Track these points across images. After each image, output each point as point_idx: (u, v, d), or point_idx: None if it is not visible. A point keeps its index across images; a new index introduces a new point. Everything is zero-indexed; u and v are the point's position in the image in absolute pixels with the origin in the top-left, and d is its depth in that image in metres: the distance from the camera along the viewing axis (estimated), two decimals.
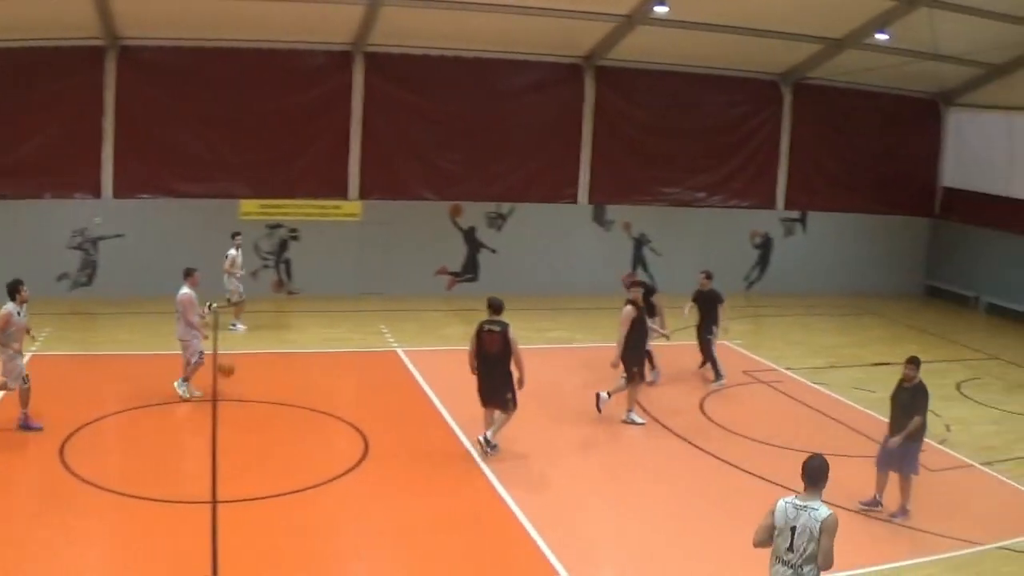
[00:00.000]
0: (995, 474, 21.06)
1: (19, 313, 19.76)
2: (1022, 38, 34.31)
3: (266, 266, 32.82)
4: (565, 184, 36.76)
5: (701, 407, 24.34)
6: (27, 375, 19.88)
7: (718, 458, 20.89)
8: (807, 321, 35.14)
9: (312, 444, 20.29)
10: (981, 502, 19.79)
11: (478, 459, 19.62)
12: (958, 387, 28.05)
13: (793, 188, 40.54)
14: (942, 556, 16.85)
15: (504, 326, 19.83)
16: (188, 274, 22.62)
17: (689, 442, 21.80)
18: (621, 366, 22.61)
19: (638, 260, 37.98)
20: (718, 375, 26.49)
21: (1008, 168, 38.28)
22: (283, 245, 32.97)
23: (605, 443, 21.74)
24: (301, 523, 16.28)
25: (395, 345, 27.85)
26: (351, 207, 33.44)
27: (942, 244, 42.37)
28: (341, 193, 33.52)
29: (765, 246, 40.13)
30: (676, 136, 37.84)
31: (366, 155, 33.68)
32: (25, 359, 20.34)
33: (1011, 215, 34.74)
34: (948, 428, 24.03)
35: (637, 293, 23.29)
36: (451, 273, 35.11)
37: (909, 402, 18.30)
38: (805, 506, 11.68)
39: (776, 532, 11.76)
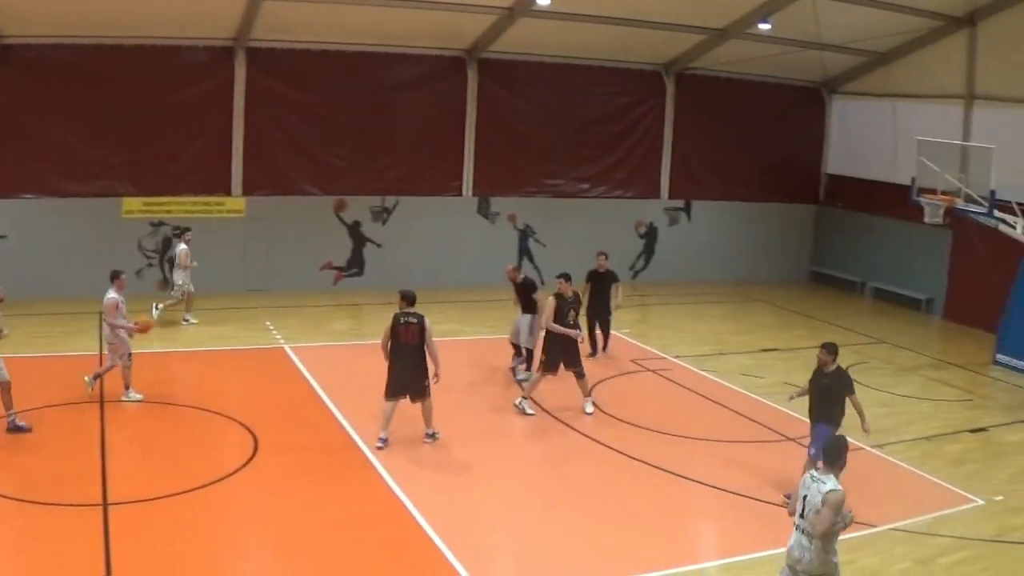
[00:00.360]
0: (886, 456, 21.43)
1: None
2: (904, 26, 34.90)
3: (150, 265, 32.44)
4: (449, 177, 36.77)
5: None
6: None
7: (609, 447, 21.05)
8: (694, 309, 35.45)
9: (202, 443, 20.11)
10: (873, 485, 20.03)
11: (369, 454, 19.61)
12: (846, 371, 28.46)
13: (677, 178, 40.88)
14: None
15: (420, 317, 20.31)
16: (114, 277, 22.29)
17: (580, 432, 21.97)
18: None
19: (523, 252, 38.08)
20: (606, 344, 27.77)
21: (892, 154, 38.79)
22: (167, 243, 32.58)
23: (497, 435, 21.80)
24: (194, 523, 16.20)
25: (282, 342, 27.69)
26: (234, 203, 33.15)
27: (827, 230, 42.98)
28: (224, 190, 33.19)
29: (650, 236, 40.40)
30: (560, 127, 38.04)
31: (249, 151, 33.38)
32: None
33: (895, 201, 35.16)
34: None
35: (565, 286, 23.43)
36: (336, 268, 34.99)
37: (832, 387, 18.49)
38: (818, 479, 12.54)
39: (796, 500, 12.80)
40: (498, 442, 21.41)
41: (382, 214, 35.52)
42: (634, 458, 20.50)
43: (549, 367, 22.97)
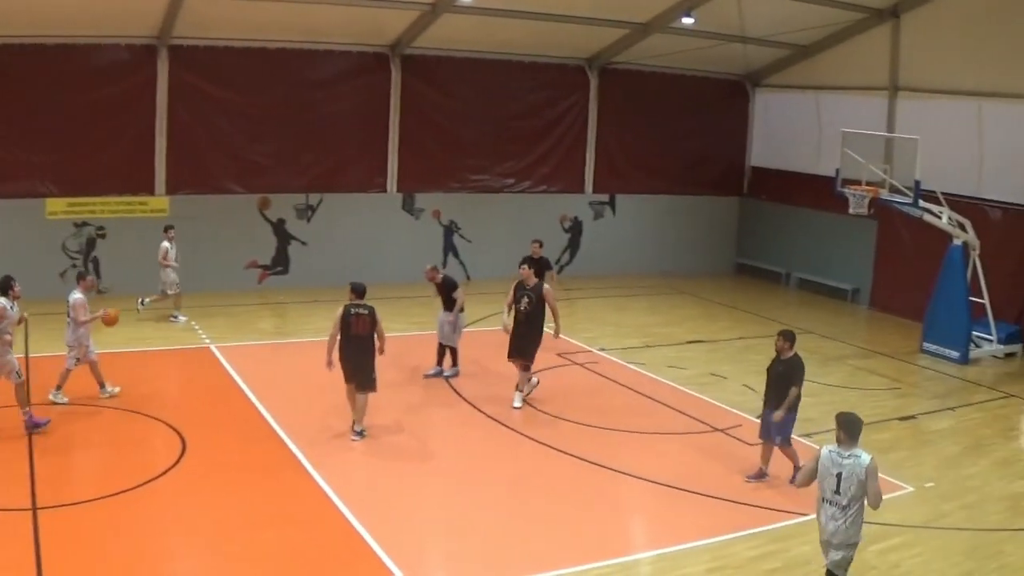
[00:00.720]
0: (814, 446, 21.27)
1: (12, 307, 19.85)
2: (828, 19, 35.20)
3: (74, 266, 31.95)
4: (374, 173, 36.56)
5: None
6: (20, 370, 20.00)
7: (538, 441, 21.05)
8: (620, 302, 35.52)
9: (129, 445, 19.83)
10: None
11: (298, 453, 19.46)
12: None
13: (601, 172, 41.00)
14: (766, 528, 17.24)
15: (371, 308, 20.70)
16: (81, 278, 22.25)
17: (508, 427, 21.95)
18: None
19: (448, 247, 38.03)
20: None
21: (816, 146, 39.13)
22: (91, 243, 32.24)
23: (425, 432, 21.69)
24: (124, 525, 15.97)
25: (208, 342, 27.41)
26: (158, 203, 32.74)
27: (751, 223, 43.27)
28: (148, 189, 32.76)
29: (575, 230, 40.45)
30: (484, 123, 37.99)
31: (172, 150, 32.94)
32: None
33: (820, 192, 35.45)
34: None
35: (526, 272, 23.69)
36: (261, 266, 34.75)
37: (784, 374, 19.03)
38: (849, 454, 13.25)
39: (819, 477, 13.43)
40: (426, 438, 21.32)
41: (306, 211, 35.30)
42: (563, 452, 20.50)
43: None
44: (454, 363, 25.38)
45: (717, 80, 42.42)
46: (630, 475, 19.48)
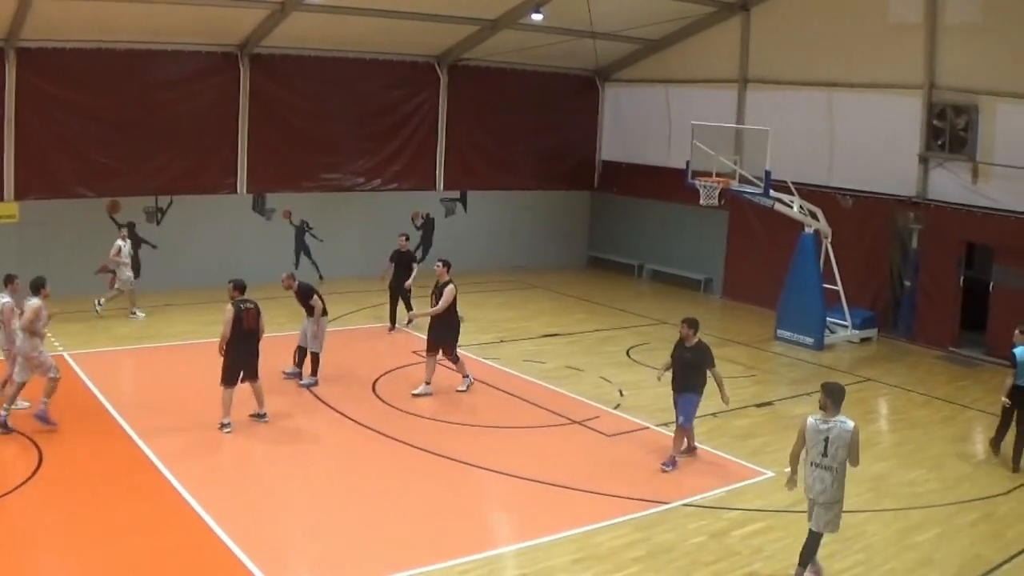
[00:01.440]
0: (673, 434, 21.66)
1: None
2: (677, 13, 35.64)
3: None
4: (224, 174, 36.14)
5: (373, 390, 24.44)
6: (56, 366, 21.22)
7: (397, 440, 21.01)
8: (474, 299, 35.43)
9: None
10: (662, 462, 20.31)
11: (157, 462, 19.06)
12: (628, 353, 28.81)
13: (452, 169, 41.10)
14: (631, 517, 17.42)
15: (255, 303, 21.76)
16: (8, 281, 22.36)
17: (367, 427, 21.80)
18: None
19: (300, 248, 37.77)
20: (409, 321, 29.80)
21: (666, 139, 39.57)
22: None
23: (286, 435, 21.39)
24: None
25: (61, 349, 26.84)
26: (7, 208, 31.91)
27: (603, 216, 43.59)
28: None
29: (427, 227, 40.46)
30: (335, 121, 37.77)
31: (20, 154, 32.14)
32: None
33: (671, 184, 35.82)
34: (621, 393, 24.70)
35: (442, 271, 25.04)
36: (112, 271, 34.19)
37: (693, 359, 19.81)
38: (833, 421, 14.60)
39: (808, 444, 14.79)
40: (287, 441, 21.07)
41: (156, 214, 34.78)
42: (423, 449, 20.47)
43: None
44: (313, 371, 25.06)
45: (567, 75, 42.71)
46: (491, 470, 19.52)
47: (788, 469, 15.56)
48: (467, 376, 24.99)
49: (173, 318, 30.63)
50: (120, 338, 28.68)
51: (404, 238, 31.12)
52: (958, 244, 30.86)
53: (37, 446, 19.53)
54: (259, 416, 21.82)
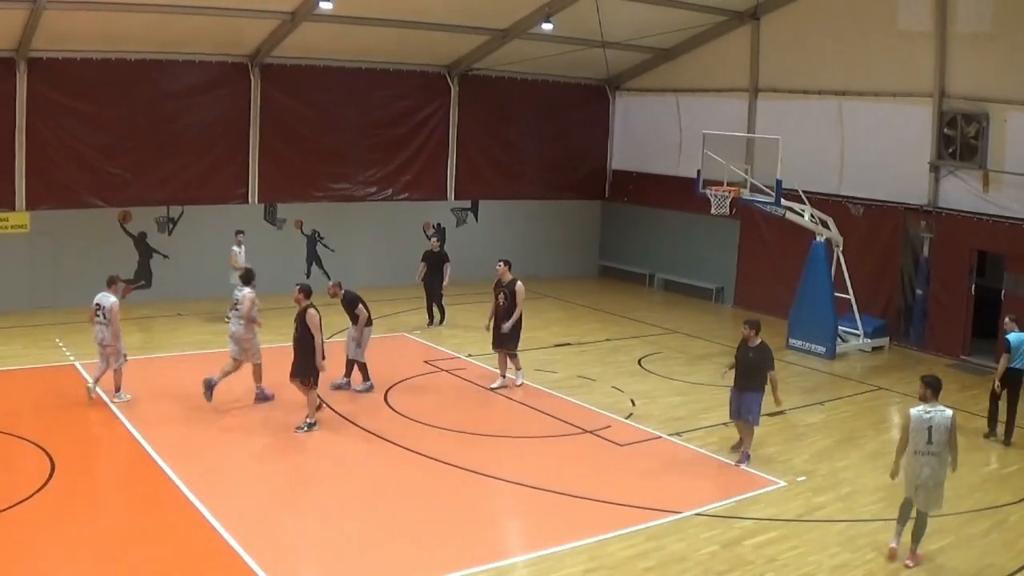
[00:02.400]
0: (685, 444, 21.73)
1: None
2: (688, 22, 35.68)
3: None
4: (235, 184, 36.19)
5: (386, 400, 24.41)
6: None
7: (408, 449, 20.98)
8: (485, 308, 35.08)
9: None
10: (675, 472, 20.45)
11: (168, 470, 19.07)
12: (639, 362, 28.79)
13: (463, 178, 41.11)
14: (642, 526, 17.36)
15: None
16: (112, 282, 24.33)
17: (379, 436, 21.75)
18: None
19: (312, 257, 37.80)
20: (443, 318, 32.50)
21: (677, 149, 39.58)
22: None
23: (296, 445, 21.39)
24: None
25: (72, 359, 26.89)
26: (18, 219, 31.99)
27: (614, 226, 43.55)
28: (8, 205, 32.01)
29: (439, 237, 40.28)
30: (346, 131, 37.82)
31: (31, 164, 32.22)
32: None
33: (682, 194, 35.84)
34: (633, 403, 24.67)
35: (503, 270, 26.82)
36: (124, 281, 34.12)
37: (755, 360, 20.58)
38: (934, 410, 16.08)
39: (912, 434, 16.12)
40: (297, 452, 21.08)
41: (167, 224, 34.82)
42: (434, 459, 20.43)
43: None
44: (365, 378, 25.24)
45: (577, 85, 42.72)
46: (502, 480, 19.53)
47: (894, 461, 16.72)
48: (519, 370, 26.49)
49: (184, 328, 30.70)
50: (129, 347, 28.59)
51: (435, 240, 33.10)
52: (969, 252, 30.80)
53: (49, 456, 19.49)
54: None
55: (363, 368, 25.20)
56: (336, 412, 23.26)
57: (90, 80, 32.84)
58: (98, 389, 22.86)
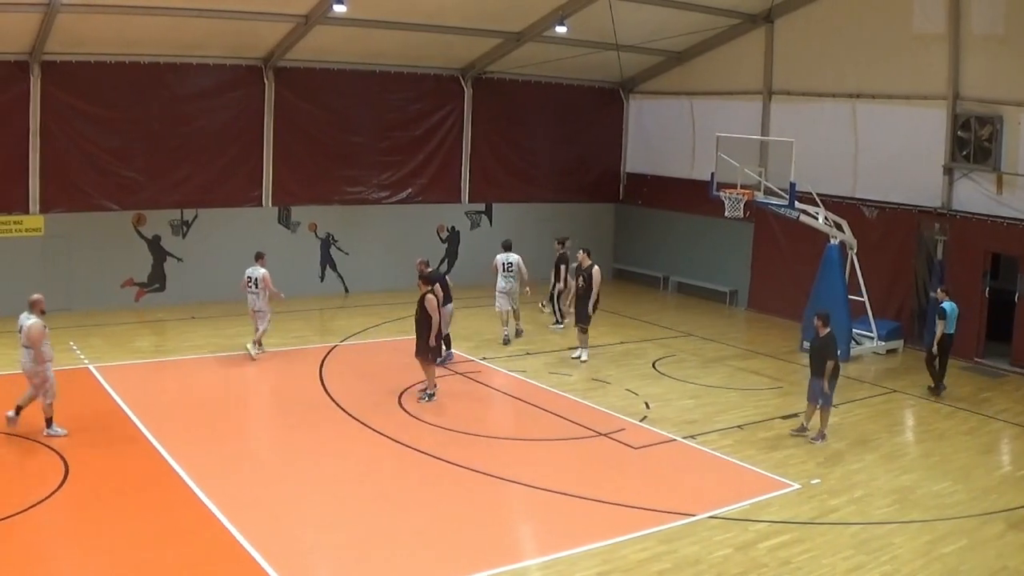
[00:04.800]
0: (699, 447, 21.71)
1: None
2: (701, 25, 35.63)
3: None
4: (249, 187, 36.15)
5: (400, 403, 24.37)
6: None
7: (423, 452, 20.95)
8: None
9: (11, 470, 19.37)
10: (688, 475, 20.46)
11: (182, 473, 19.10)
12: (654, 365, 28.77)
13: (477, 181, 41.11)
14: (656, 529, 17.33)
15: None
16: (259, 257, 28.51)
17: (393, 439, 21.74)
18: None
19: (326, 260, 37.78)
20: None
21: (690, 151, 39.59)
22: None
23: (309, 446, 21.45)
24: (7, 553, 15.52)
25: (86, 362, 26.91)
26: (33, 222, 32.02)
27: (628, 228, 43.55)
28: (22, 208, 32.02)
29: (452, 239, 40.45)
30: (360, 134, 37.86)
31: (46, 167, 32.20)
32: None
33: (695, 196, 35.82)
34: (647, 406, 24.66)
35: (583, 256, 29.92)
36: (138, 284, 34.25)
37: (819, 348, 22.58)
38: None
39: None
40: (311, 454, 21.05)
41: (181, 227, 34.85)
42: (447, 461, 20.43)
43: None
44: (447, 346, 27.82)
45: (592, 88, 42.74)
46: (516, 482, 19.49)
47: None
48: (585, 348, 29.48)
49: (198, 330, 30.71)
50: (143, 351, 28.72)
51: (560, 244, 33.77)
52: (983, 255, 30.74)
53: (63, 458, 19.57)
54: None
55: (446, 340, 27.02)
56: (348, 414, 23.30)
57: (104, 83, 32.87)
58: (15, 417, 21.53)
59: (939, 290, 27.66)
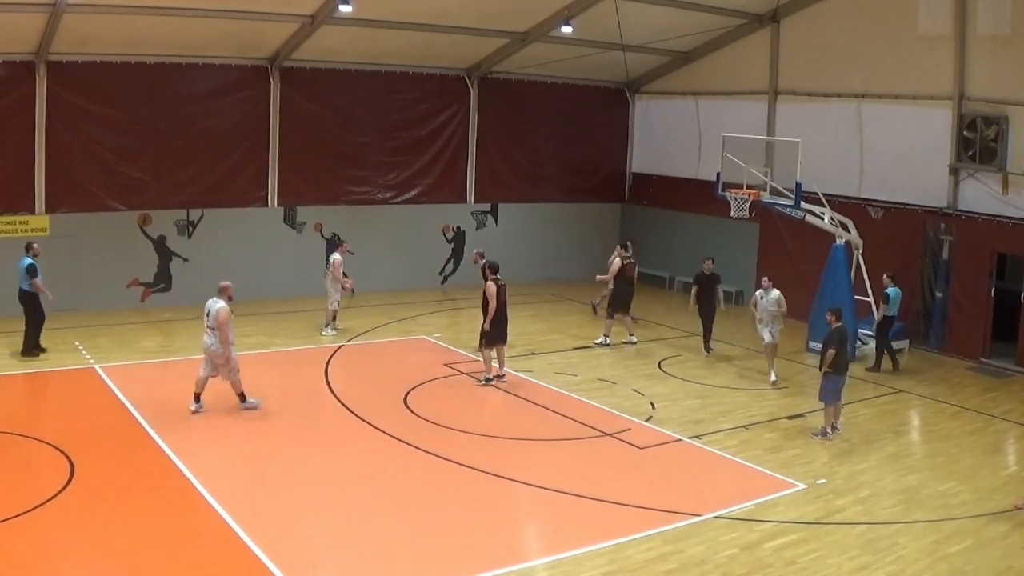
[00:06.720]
0: (704, 447, 21.71)
1: None
2: (707, 25, 35.65)
3: None
4: (254, 187, 36.17)
5: (405, 402, 24.36)
6: None
7: (428, 452, 20.94)
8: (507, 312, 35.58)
9: (15, 470, 19.30)
10: (694, 474, 20.49)
11: (188, 473, 19.11)
12: (659, 365, 28.77)
13: (483, 181, 41.13)
14: (662, 529, 17.31)
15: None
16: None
17: (397, 438, 21.74)
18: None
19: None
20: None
21: (696, 151, 39.58)
22: None
23: (315, 446, 21.44)
24: (13, 553, 15.53)
25: (92, 362, 26.95)
26: (39, 221, 32.01)
27: (634, 228, 43.47)
28: (28, 208, 32.03)
29: (458, 240, 40.45)
30: (365, 134, 37.87)
31: (51, 167, 32.21)
32: None
33: (700, 196, 35.85)
34: (653, 406, 24.64)
35: (623, 253, 31.99)
36: (143, 284, 34.27)
37: (826, 340, 22.94)
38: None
39: None
40: (317, 454, 21.01)
41: (187, 227, 34.85)
42: (452, 461, 20.43)
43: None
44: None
45: (597, 88, 42.75)
46: (522, 482, 19.48)
47: None
48: (606, 336, 31.27)
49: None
50: (147, 351, 28.72)
51: (708, 261, 31.64)
52: (989, 255, 30.73)
53: (69, 458, 19.57)
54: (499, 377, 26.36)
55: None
56: (354, 414, 23.32)
57: (110, 83, 32.88)
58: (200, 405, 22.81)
59: (885, 276, 29.55)
